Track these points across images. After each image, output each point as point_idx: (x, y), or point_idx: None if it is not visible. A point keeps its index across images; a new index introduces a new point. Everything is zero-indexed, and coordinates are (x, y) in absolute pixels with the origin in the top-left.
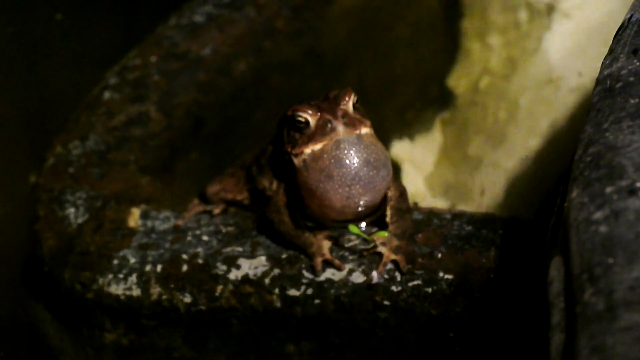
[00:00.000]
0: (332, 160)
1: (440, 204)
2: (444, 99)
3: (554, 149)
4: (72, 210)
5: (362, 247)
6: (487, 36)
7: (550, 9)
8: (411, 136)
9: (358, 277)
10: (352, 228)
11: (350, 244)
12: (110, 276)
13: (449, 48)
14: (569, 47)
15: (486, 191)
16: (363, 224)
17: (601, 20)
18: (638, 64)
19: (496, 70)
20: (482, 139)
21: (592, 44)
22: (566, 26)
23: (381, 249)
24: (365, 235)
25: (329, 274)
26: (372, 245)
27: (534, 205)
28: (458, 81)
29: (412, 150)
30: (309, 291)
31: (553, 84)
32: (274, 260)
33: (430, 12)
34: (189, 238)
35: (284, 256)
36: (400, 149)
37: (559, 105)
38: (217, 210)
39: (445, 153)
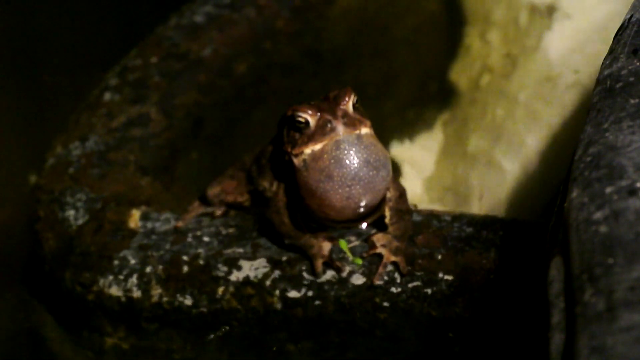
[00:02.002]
0: (332, 160)
1: (439, 205)
2: (445, 97)
3: (552, 147)
4: (72, 211)
5: (362, 247)
6: (487, 33)
7: (552, 10)
8: (411, 136)
9: (358, 279)
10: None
11: (350, 245)
12: (111, 277)
13: (449, 45)
14: (569, 46)
15: (485, 195)
16: (364, 225)
17: (602, 20)
18: (638, 64)
19: (496, 67)
20: (480, 137)
21: (591, 43)
22: (567, 26)
23: (381, 250)
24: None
25: (329, 275)
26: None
27: (534, 205)
28: (459, 78)
29: (411, 150)
30: (310, 292)
31: (551, 81)
32: (274, 262)
33: (430, 11)
34: (189, 239)
35: (284, 258)
36: (400, 149)
37: (557, 102)
38: (218, 212)
39: (445, 153)
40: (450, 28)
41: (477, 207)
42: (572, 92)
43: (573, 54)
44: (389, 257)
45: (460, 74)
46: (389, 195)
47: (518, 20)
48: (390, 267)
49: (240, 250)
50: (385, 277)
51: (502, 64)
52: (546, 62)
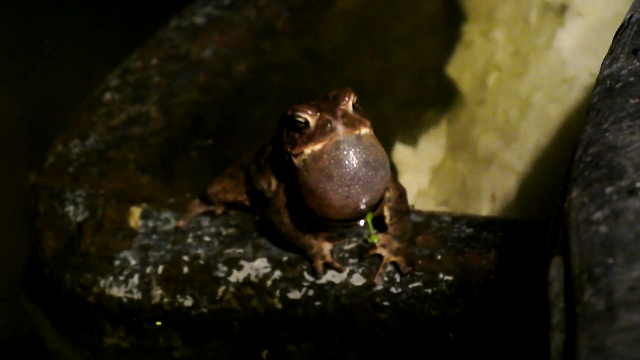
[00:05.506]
0: (332, 161)
1: (444, 208)
2: (446, 97)
3: (569, 148)
4: (71, 208)
5: (363, 246)
6: (490, 30)
7: (564, 8)
8: (412, 136)
9: (358, 279)
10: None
11: (350, 246)
12: (111, 278)
13: (449, 43)
14: (583, 46)
15: (497, 196)
16: (362, 223)
17: (614, 20)
18: (638, 64)
19: (504, 65)
20: (491, 138)
21: (605, 44)
22: (579, 25)
23: (381, 250)
24: (372, 229)
25: (330, 275)
26: (371, 244)
27: (547, 207)
28: (460, 76)
29: (412, 150)
30: (310, 293)
31: (567, 83)
32: (275, 262)
33: (430, 11)
34: (190, 239)
35: (284, 258)
36: (401, 149)
37: (573, 104)
38: (218, 212)
39: (450, 153)
40: (450, 26)
41: (487, 209)
42: (586, 93)
43: (587, 54)
44: (389, 257)
45: (461, 71)
46: (388, 195)
47: (528, 18)
48: (390, 268)
49: (241, 250)
50: (385, 278)
51: (511, 62)
52: (560, 62)
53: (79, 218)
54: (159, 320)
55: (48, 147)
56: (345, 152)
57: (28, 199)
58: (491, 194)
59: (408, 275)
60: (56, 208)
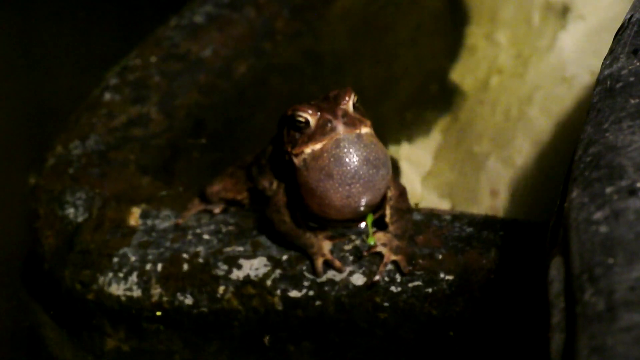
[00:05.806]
0: (332, 160)
1: (443, 205)
2: (447, 98)
3: (569, 148)
4: (71, 210)
5: (362, 246)
6: (494, 33)
7: (566, 10)
8: (412, 136)
9: (358, 278)
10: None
11: (350, 245)
12: (111, 275)
13: (452, 46)
14: (584, 47)
15: (498, 193)
16: (363, 224)
17: (615, 21)
18: (638, 64)
19: (506, 68)
20: (491, 138)
21: (606, 45)
22: (581, 27)
23: (381, 249)
24: (370, 230)
25: (330, 274)
26: (371, 245)
27: (548, 206)
28: (463, 79)
29: (413, 150)
30: (310, 292)
31: (567, 82)
32: (275, 261)
33: (432, 10)
34: (189, 237)
35: (285, 257)
36: (401, 149)
37: (574, 104)
38: (217, 210)
39: (449, 153)
40: (453, 28)
41: (490, 205)
42: (589, 94)
43: (588, 54)
44: (389, 256)
45: (464, 75)
46: (389, 194)
47: (530, 20)
48: (390, 267)
49: (240, 248)
50: (386, 277)
51: (513, 64)
52: (561, 63)
53: (79, 220)
54: (159, 312)
55: (48, 148)
56: (345, 151)
57: (28, 200)
58: (491, 189)
59: (408, 275)
60: (56, 211)
